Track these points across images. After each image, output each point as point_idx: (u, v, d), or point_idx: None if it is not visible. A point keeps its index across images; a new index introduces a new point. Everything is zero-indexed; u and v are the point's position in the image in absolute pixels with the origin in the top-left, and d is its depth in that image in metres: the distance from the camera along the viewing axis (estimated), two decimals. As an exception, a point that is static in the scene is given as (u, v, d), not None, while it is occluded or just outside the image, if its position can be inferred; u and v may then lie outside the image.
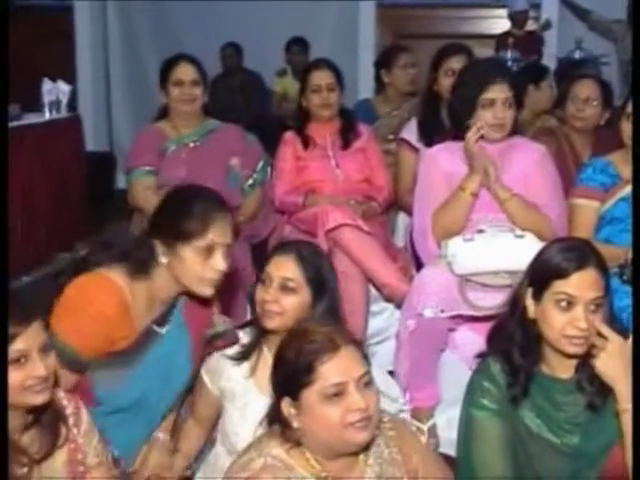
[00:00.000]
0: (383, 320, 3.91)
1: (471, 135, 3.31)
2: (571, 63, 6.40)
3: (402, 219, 4.42)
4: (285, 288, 2.54)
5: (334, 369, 2.02)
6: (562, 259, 2.34)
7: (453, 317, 3.16)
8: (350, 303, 3.71)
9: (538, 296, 2.37)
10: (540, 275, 2.39)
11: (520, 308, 2.42)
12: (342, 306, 2.65)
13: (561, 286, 2.32)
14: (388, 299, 3.79)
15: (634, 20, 3.74)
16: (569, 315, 2.31)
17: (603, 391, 2.33)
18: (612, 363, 2.26)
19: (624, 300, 3.10)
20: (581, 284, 2.31)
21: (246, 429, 2.46)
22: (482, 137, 3.36)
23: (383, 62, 5.10)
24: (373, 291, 3.84)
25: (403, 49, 5.21)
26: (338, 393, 2.01)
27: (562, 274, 2.32)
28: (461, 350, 3.21)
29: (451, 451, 2.76)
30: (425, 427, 3.22)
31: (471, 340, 3.12)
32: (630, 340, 2.29)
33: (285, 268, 2.56)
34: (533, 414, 2.43)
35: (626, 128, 3.42)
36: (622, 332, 2.35)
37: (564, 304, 2.31)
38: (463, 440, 2.53)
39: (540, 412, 2.43)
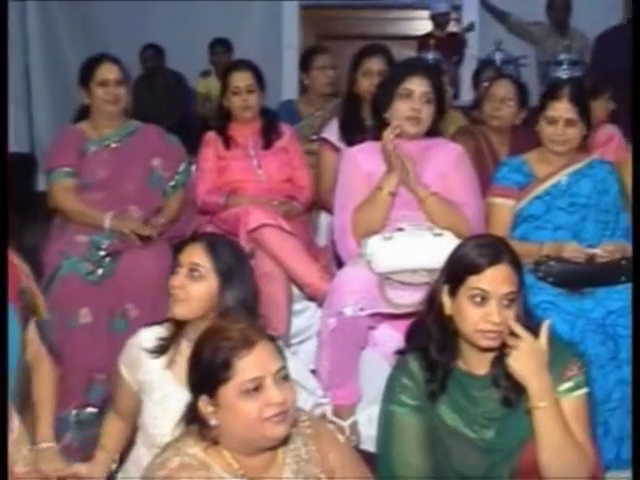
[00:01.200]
0: (305, 319, 3.92)
1: (388, 133, 3.35)
2: (491, 64, 6.48)
3: (324, 218, 4.44)
4: (193, 274, 2.54)
5: (251, 364, 2.03)
6: (476, 255, 2.39)
7: (373, 315, 3.19)
8: (272, 303, 3.73)
9: (454, 292, 2.41)
10: (455, 271, 2.43)
11: (437, 305, 2.46)
12: (259, 301, 2.64)
13: (475, 282, 2.36)
14: (310, 298, 3.81)
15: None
16: (483, 310, 2.35)
17: (518, 386, 2.37)
18: (524, 361, 2.30)
19: (539, 296, 3.17)
20: (494, 279, 2.35)
21: (166, 422, 2.46)
22: (400, 135, 3.40)
23: (302, 64, 5.13)
24: (295, 290, 3.85)
25: (321, 51, 5.23)
26: (255, 388, 2.03)
27: (476, 270, 2.36)
28: (381, 348, 3.24)
29: (372, 448, 2.79)
30: (346, 424, 3.24)
31: (391, 337, 3.15)
32: (542, 339, 2.34)
33: (194, 255, 2.55)
34: (450, 409, 2.47)
35: (548, 131, 3.49)
36: (537, 328, 2.40)
37: (478, 299, 2.36)
38: (382, 436, 2.56)
39: (457, 407, 2.46)
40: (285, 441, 2.14)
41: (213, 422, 2.07)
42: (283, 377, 2.07)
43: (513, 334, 2.33)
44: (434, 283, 2.52)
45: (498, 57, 6.71)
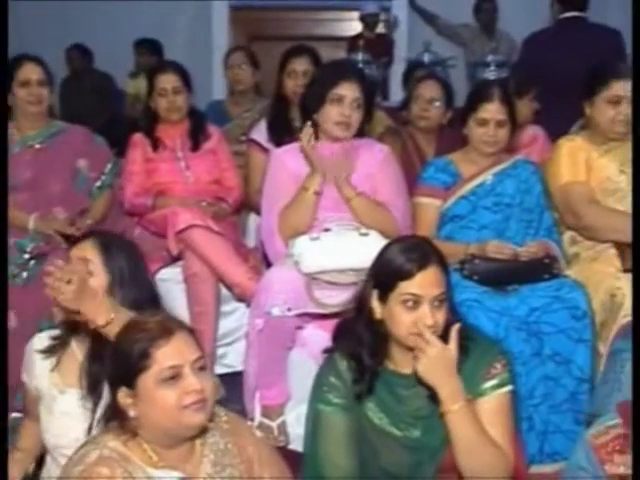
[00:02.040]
0: (235, 320, 3.92)
1: (303, 136, 3.38)
2: (419, 65, 6.54)
3: (253, 219, 4.44)
4: None
5: (169, 353, 2.05)
6: (404, 260, 2.40)
7: (301, 315, 3.19)
8: (200, 304, 3.73)
9: (384, 298, 2.42)
10: (384, 277, 2.44)
11: (366, 310, 2.47)
12: (158, 305, 2.62)
13: (406, 287, 2.38)
14: (239, 299, 3.80)
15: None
16: (415, 314, 2.37)
17: None
18: (433, 367, 2.32)
19: (464, 294, 3.20)
20: (425, 283, 2.37)
21: (54, 424, 2.43)
22: (327, 137, 3.42)
23: (224, 64, 5.17)
24: (224, 291, 3.84)
25: (236, 49, 5.29)
26: (174, 376, 2.04)
27: (406, 275, 2.38)
28: (309, 347, 3.25)
29: (301, 447, 2.79)
30: (275, 424, 3.25)
31: (319, 338, 3.16)
32: (451, 344, 2.36)
33: (85, 250, 2.52)
34: (377, 408, 2.49)
35: (478, 132, 3.53)
36: (463, 325, 2.45)
37: (410, 304, 2.38)
38: (310, 435, 2.57)
39: (384, 406, 2.48)
40: (203, 434, 2.16)
41: (132, 414, 2.07)
42: (201, 367, 2.09)
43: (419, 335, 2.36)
44: (362, 288, 2.52)
45: (427, 58, 6.78)
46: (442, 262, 2.44)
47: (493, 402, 2.42)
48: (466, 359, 2.43)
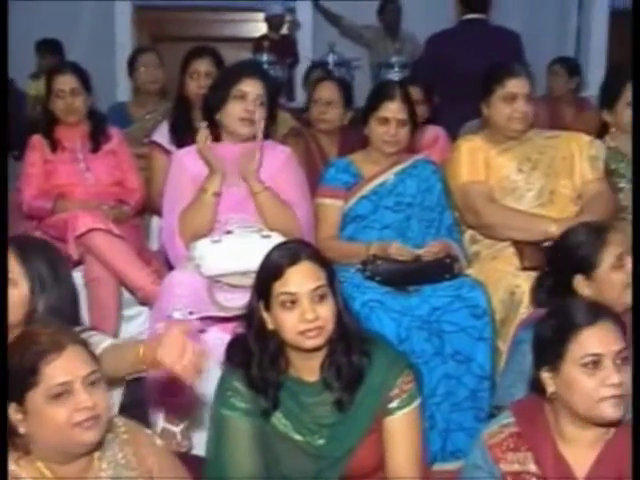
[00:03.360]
0: (138, 324, 3.86)
1: (199, 137, 3.36)
2: (323, 66, 6.56)
3: (156, 222, 4.38)
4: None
5: (59, 368, 1.99)
6: (274, 259, 2.39)
7: (203, 319, 3.16)
8: (102, 308, 3.68)
9: (268, 305, 2.41)
10: (261, 283, 2.42)
11: (256, 321, 2.44)
12: (77, 308, 2.57)
13: (280, 287, 2.36)
14: (142, 303, 3.76)
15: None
16: (296, 312, 2.36)
17: (350, 387, 2.41)
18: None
19: (366, 295, 3.22)
20: (297, 279, 2.36)
21: None
22: (231, 136, 3.40)
23: (129, 65, 5.12)
24: (127, 295, 3.79)
25: (144, 49, 5.28)
26: (64, 392, 1.99)
27: (278, 273, 2.36)
28: (212, 351, 3.21)
29: (204, 453, 2.76)
30: (178, 430, 3.21)
31: (222, 341, 3.09)
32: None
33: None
34: (282, 415, 2.46)
35: (379, 131, 3.54)
36: (360, 324, 2.47)
37: (289, 304, 2.36)
38: (213, 440, 2.53)
39: (288, 413, 2.46)
40: (101, 447, 2.11)
41: (22, 430, 2.01)
42: (93, 382, 2.03)
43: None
44: (250, 300, 2.49)
45: (331, 59, 6.80)
46: (316, 257, 2.42)
47: (403, 420, 2.43)
48: (371, 367, 2.42)
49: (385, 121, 3.53)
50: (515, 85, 3.56)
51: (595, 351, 2.15)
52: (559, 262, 2.90)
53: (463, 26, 5.53)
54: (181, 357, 2.21)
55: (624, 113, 3.86)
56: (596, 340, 2.16)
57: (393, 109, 3.54)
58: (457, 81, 4.87)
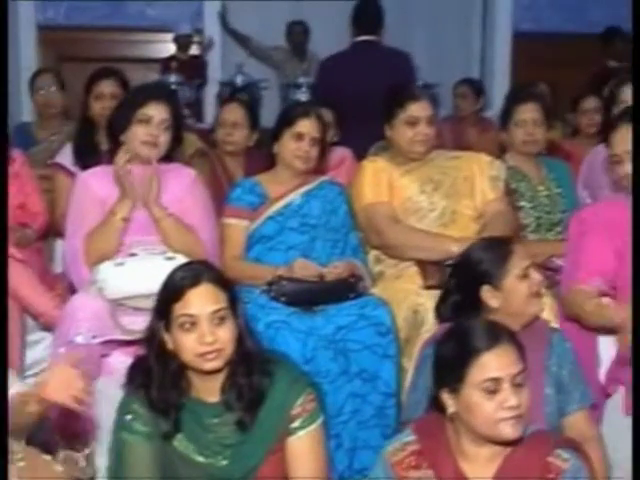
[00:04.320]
0: (42, 349, 3.78)
1: (119, 158, 3.33)
2: (231, 87, 6.58)
3: (61, 245, 4.32)
4: None
5: None
6: (174, 281, 2.40)
7: (106, 342, 3.13)
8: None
9: (168, 326, 2.40)
10: (162, 304, 2.42)
11: (157, 343, 2.43)
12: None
13: (180, 309, 2.37)
14: (46, 328, 3.69)
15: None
16: (195, 335, 2.36)
17: (251, 408, 2.41)
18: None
19: (272, 315, 3.23)
20: (197, 301, 2.36)
21: None
22: (132, 160, 3.38)
23: (29, 86, 5.07)
24: (30, 320, 3.72)
25: (42, 72, 5.24)
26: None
27: (178, 295, 2.36)
28: (115, 375, 3.17)
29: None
30: (81, 455, 3.16)
31: (125, 365, 3.07)
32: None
33: None
34: (184, 437, 2.45)
35: (293, 147, 3.57)
36: (260, 344, 2.49)
37: (188, 325, 2.36)
38: (114, 464, 2.51)
39: (190, 435, 2.45)
40: None
41: None
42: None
43: None
44: (150, 322, 2.48)
45: (239, 80, 6.83)
46: (218, 279, 2.42)
47: (305, 439, 2.44)
48: (272, 387, 2.43)
49: (299, 137, 3.56)
50: (417, 109, 3.63)
51: (494, 375, 2.20)
52: (464, 277, 2.94)
53: (355, 48, 5.61)
54: (68, 389, 2.21)
55: (515, 133, 3.97)
56: (495, 364, 2.20)
57: (308, 126, 3.57)
58: (352, 103, 4.93)
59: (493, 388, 2.19)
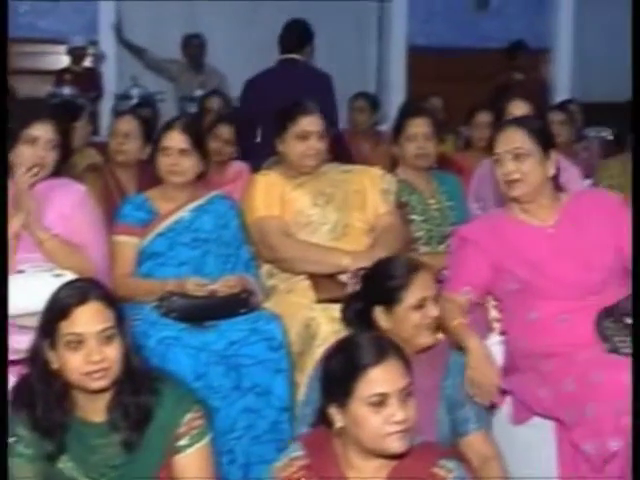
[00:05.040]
0: None
1: (21, 174, 3.23)
2: (127, 100, 6.52)
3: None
4: None
5: None
6: (62, 298, 2.36)
7: (-9, 362, 3.05)
8: None
9: (53, 344, 2.36)
10: (48, 322, 2.38)
11: (41, 362, 2.39)
12: None
13: (67, 327, 2.33)
14: None
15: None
16: (81, 353, 2.32)
17: (138, 427, 2.38)
18: None
19: (163, 332, 3.21)
20: (84, 320, 2.33)
21: None
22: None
23: None
24: None
25: None
26: None
27: (64, 314, 2.33)
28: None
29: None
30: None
31: (11, 385, 3.03)
32: None
33: None
34: (69, 459, 2.41)
35: (163, 162, 3.55)
36: (147, 362, 2.46)
37: (75, 344, 2.32)
38: (0, 487, 2.46)
39: (76, 457, 2.41)
40: None
41: None
42: None
43: None
44: (34, 340, 2.43)
45: (135, 93, 6.77)
46: (105, 297, 2.39)
47: (193, 457, 2.42)
48: (159, 405, 2.41)
49: (165, 150, 3.56)
50: (308, 123, 3.65)
51: (381, 390, 2.21)
52: (367, 289, 2.97)
53: (279, 66, 5.77)
54: None
55: (406, 147, 4.04)
56: (382, 380, 2.22)
57: (173, 138, 3.56)
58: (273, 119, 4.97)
59: (380, 403, 2.21)
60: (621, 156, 4.69)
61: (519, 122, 3.24)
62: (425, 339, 2.87)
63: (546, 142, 3.15)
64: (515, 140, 3.10)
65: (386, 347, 2.30)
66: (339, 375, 2.28)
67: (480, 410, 2.91)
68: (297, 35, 5.82)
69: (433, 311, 2.87)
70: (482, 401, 2.91)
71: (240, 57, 8.04)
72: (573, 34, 8.53)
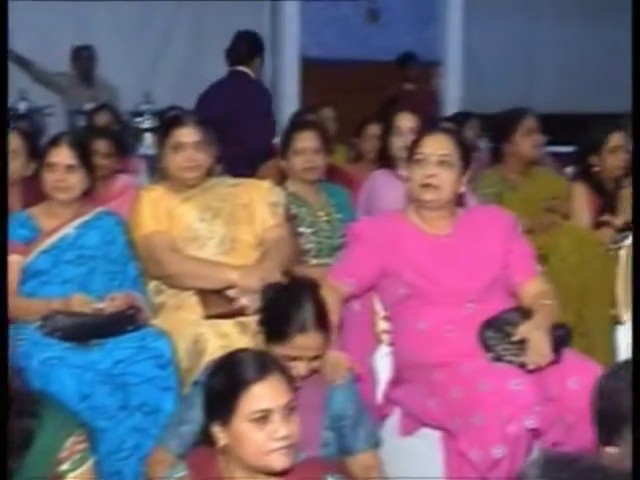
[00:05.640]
0: None
1: None
2: (16, 114, 6.38)
3: None
4: None
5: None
6: None
7: None
8: None
9: None
10: None
11: None
12: None
13: None
14: None
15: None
16: None
17: (19, 452, 2.28)
18: None
19: (47, 352, 3.15)
20: None
21: None
22: None
23: None
24: None
25: None
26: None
27: None
28: None
29: None
30: None
31: None
32: None
33: None
34: None
35: (49, 178, 3.49)
36: (28, 385, 2.38)
37: None
38: None
39: None
40: None
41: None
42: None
43: None
44: None
45: (23, 107, 6.64)
46: None
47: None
48: (40, 429, 2.34)
49: (52, 167, 3.50)
50: (182, 134, 3.62)
51: (264, 407, 2.20)
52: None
53: (227, 78, 6.07)
54: None
55: (294, 161, 4.05)
56: (265, 396, 2.21)
57: (58, 154, 3.51)
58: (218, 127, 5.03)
59: (263, 419, 2.20)
60: (497, 166, 4.82)
61: (450, 131, 3.35)
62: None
63: (467, 158, 3.24)
64: (444, 146, 3.18)
65: (268, 363, 2.29)
66: (221, 392, 2.26)
67: (371, 429, 2.91)
68: (245, 47, 6.04)
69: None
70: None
71: (132, 68, 7.98)
72: (463, 46, 8.67)
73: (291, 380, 2.29)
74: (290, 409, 2.23)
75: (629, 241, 3.70)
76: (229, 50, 6.11)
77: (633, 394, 2.42)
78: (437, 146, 3.18)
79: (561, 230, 4.35)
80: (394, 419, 3.17)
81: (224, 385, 2.26)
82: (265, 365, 2.27)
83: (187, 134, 3.62)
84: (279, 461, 2.21)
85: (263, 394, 2.21)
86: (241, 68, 6.00)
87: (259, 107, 5.86)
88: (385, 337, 3.38)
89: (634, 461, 2.34)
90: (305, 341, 2.75)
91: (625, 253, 3.62)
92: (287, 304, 2.81)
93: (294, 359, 2.74)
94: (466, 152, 3.25)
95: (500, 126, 4.86)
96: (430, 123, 4.69)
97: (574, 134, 4.93)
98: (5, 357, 1.98)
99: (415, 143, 3.26)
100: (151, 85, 7.55)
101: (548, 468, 1.16)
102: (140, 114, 6.98)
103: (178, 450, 2.66)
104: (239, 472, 2.26)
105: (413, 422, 3.13)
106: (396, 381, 3.22)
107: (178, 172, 3.63)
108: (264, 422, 2.20)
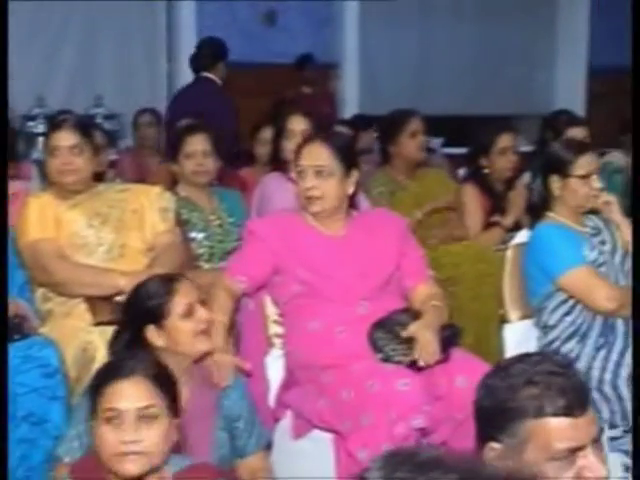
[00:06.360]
0: None
1: None
2: None
3: None
4: None
5: None
6: None
7: None
8: None
9: None
10: None
11: None
12: None
13: None
14: None
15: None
16: None
17: None
18: None
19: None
20: None
21: None
22: None
23: None
24: None
25: None
26: None
27: None
28: None
29: None
30: None
31: None
32: None
33: None
34: None
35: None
36: None
37: None
38: None
39: None
40: None
41: None
42: None
43: None
44: None
45: None
46: None
47: None
48: None
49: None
50: (57, 138, 3.58)
51: (114, 406, 2.18)
52: (131, 314, 2.92)
53: (192, 84, 6.43)
54: None
55: (185, 164, 4.04)
56: (117, 395, 2.19)
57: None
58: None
59: (114, 419, 2.17)
60: (385, 167, 4.92)
61: (325, 138, 3.34)
62: (201, 345, 2.86)
63: (349, 161, 3.25)
64: (319, 157, 3.19)
65: (134, 365, 2.27)
66: (90, 391, 2.28)
67: (261, 431, 2.92)
68: (209, 54, 6.31)
69: (203, 313, 2.87)
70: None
71: (24, 71, 7.80)
72: (359, 48, 8.72)
73: (165, 386, 2.27)
74: (149, 415, 2.20)
75: (515, 241, 3.77)
76: (193, 57, 6.37)
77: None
78: (314, 157, 3.20)
79: (461, 249, 4.41)
80: (286, 422, 3.17)
81: (93, 384, 2.29)
82: (128, 366, 2.26)
83: (63, 138, 3.56)
84: (127, 467, 2.16)
85: (115, 393, 2.20)
86: (206, 74, 6.25)
87: (224, 112, 5.89)
88: (277, 341, 3.38)
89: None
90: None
91: (512, 253, 3.68)
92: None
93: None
94: (348, 155, 3.27)
95: (386, 128, 4.95)
96: (324, 125, 4.73)
97: (467, 136, 5.03)
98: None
99: (295, 155, 3.29)
100: (44, 88, 7.41)
101: (389, 463, 1.19)
102: (33, 118, 6.87)
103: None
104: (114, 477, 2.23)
105: (304, 424, 3.14)
106: (288, 383, 3.23)
107: (56, 176, 3.58)
108: (116, 424, 2.17)
